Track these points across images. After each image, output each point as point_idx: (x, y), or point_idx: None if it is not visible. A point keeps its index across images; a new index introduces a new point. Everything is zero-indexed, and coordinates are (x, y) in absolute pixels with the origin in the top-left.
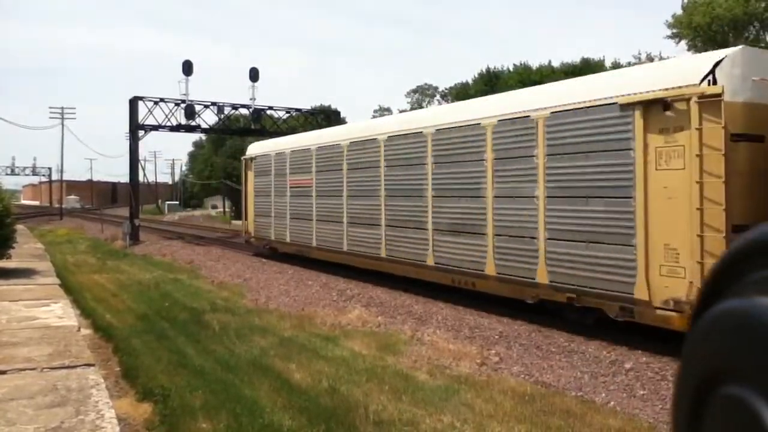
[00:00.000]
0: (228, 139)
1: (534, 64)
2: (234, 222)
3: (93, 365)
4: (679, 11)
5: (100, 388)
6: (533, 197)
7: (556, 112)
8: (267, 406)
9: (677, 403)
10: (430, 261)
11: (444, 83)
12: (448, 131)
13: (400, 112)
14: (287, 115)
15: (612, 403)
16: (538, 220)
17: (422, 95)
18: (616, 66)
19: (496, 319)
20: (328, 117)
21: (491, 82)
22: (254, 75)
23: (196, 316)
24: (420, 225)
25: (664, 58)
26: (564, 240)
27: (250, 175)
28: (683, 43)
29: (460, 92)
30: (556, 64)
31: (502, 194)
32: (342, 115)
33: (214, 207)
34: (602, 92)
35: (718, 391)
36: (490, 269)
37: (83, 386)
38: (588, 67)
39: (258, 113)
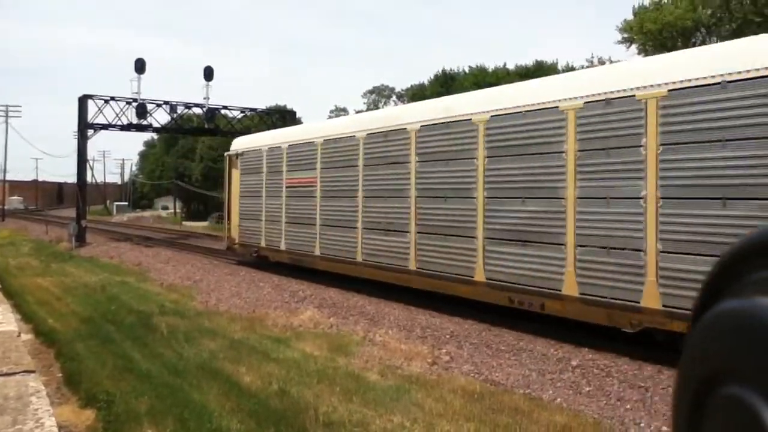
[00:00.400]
0: (180, 139)
1: (490, 66)
2: (186, 223)
3: (33, 372)
4: (631, 17)
5: (41, 395)
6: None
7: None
8: (215, 410)
9: (677, 403)
10: (479, 276)
11: (400, 84)
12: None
13: (357, 112)
14: (242, 114)
15: (559, 399)
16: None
17: (379, 96)
18: (568, 69)
19: (447, 319)
20: (283, 117)
21: (447, 84)
22: (208, 74)
23: (144, 320)
24: (467, 232)
25: (615, 62)
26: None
27: (235, 173)
28: (634, 48)
29: (417, 93)
30: (510, 66)
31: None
32: (298, 115)
33: (165, 208)
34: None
35: (717, 392)
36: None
37: (22, 394)
38: (541, 70)
39: (212, 113)
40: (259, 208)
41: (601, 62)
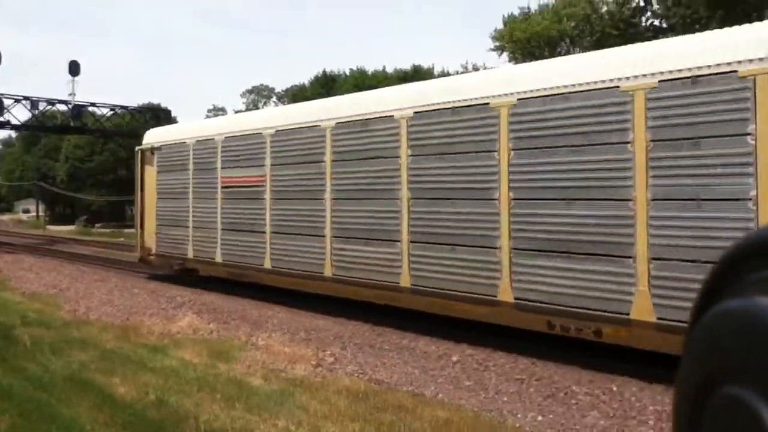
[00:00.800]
0: (43, 137)
1: (370, 68)
2: (50, 228)
3: None
4: (501, 26)
5: None
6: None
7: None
8: (87, 425)
9: (677, 403)
10: (506, 297)
11: (281, 84)
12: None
13: (235, 112)
14: (112, 112)
15: (440, 395)
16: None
17: (258, 96)
18: (444, 74)
19: (331, 320)
20: (157, 116)
21: (328, 85)
22: (74, 68)
23: (3, 332)
24: (486, 242)
25: (489, 68)
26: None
27: (150, 171)
28: (505, 55)
29: (297, 94)
30: (390, 69)
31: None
32: (173, 114)
33: (26, 211)
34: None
35: (717, 392)
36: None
37: None
38: (419, 74)
39: (78, 110)
40: (185, 212)
41: (475, 68)
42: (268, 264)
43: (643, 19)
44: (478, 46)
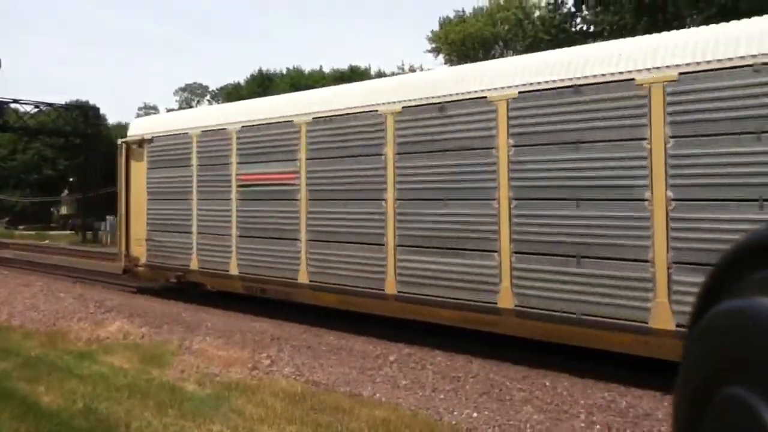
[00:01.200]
0: None
1: (306, 68)
2: None
3: None
4: (437, 28)
5: None
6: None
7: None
8: None
9: (677, 403)
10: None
11: (215, 83)
12: None
13: (168, 111)
14: (36, 110)
15: (378, 394)
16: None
17: (191, 94)
18: (380, 75)
19: (268, 323)
20: (85, 114)
21: (264, 84)
22: None
23: None
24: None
25: (425, 69)
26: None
27: (138, 167)
28: (441, 57)
29: (232, 93)
30: (326, 69)
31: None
32: (102, 111)
33: None
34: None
35: (718, 392)
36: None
37: None
38: (356, 75)
39: (0, 107)
40: (186, 215)
41: (412, 69)
42: (304, 278)
43: (574, 25)
44: (416, 47)
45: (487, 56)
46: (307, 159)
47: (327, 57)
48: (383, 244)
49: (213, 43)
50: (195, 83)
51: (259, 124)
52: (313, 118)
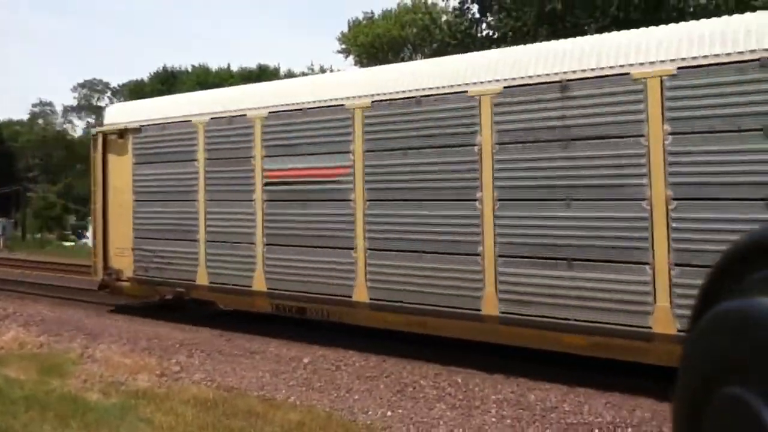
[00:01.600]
0: None
1: (213, 66)
2: None
3: None
4: (347, 29)
5: None
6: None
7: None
8: None
9: (677, 403)
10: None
11: (116, 79)
12: None
13: (66, 108)
14: None
15: (292, 398)
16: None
17: (91, 91)
18: (290, 75)
19: (175, 327)
20: None
21: (169, 82)
22: None
23: None
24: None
25: (335, 70)
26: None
27: (119, 162)
28: (351, 59)
29: (135, 90)
30: (234, 68)
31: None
32: None
33: None
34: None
35: (718, 392)
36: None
37: None
38: (265, 74)
39: None
40: (189, 219)
41: (323, 70)
42: (362, 295)
43: (479, 30)
44: (326, 48)
45: (396, 59)
46: (364, 152)
47: (235, 56)
48: (478, 254)
49: (114, 39)
50: (95, 79)
51: (295, 110)
52: (374, 102)
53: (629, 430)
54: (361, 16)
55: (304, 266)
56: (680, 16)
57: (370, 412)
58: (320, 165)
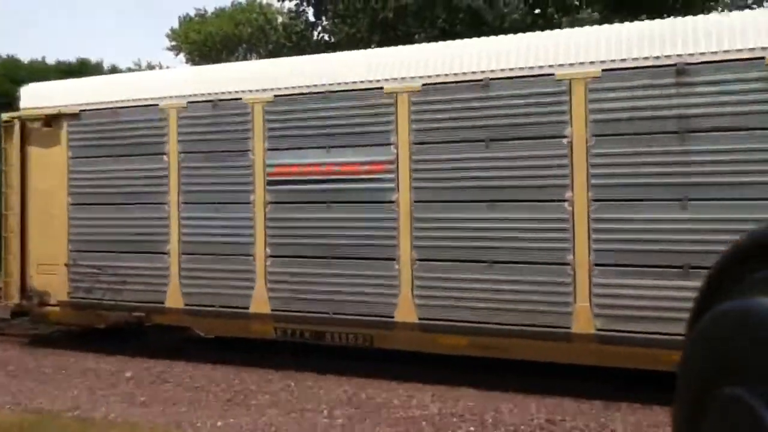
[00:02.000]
0: None
1: (25, 58)
2: None
3: None
4: (177, 26)
5: None
6: None
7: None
8: None
9: (677, 404)
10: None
11: None
12: None
13: None
14: None
15: (113, 414)
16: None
17: None
18: (115, 70)
19: None
20: None
21: None
22: None
23: None
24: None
25: (165, 68)
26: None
27: (46, 156)
28: (182, 56)
29: None
30: (50, 61)
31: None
32: None
33: None
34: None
35: (718, 392)
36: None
37: None
38: (86, 69)
39: None
40: (155, 227)
41: (150, 67)
42: (409, 314)
43: (315, 33)
44: (155, 44)
45: (230, 57)
46: (412, 143)
47: (52, 48)
48: (568, 263)
49: None
50: None
51: (314, 93)
52: (424, 85)
53: (454, 419)
54: (192, 13)
55: (326, 281)
56: (500, 30)
57: (198, 424)
58: (351, 160)
